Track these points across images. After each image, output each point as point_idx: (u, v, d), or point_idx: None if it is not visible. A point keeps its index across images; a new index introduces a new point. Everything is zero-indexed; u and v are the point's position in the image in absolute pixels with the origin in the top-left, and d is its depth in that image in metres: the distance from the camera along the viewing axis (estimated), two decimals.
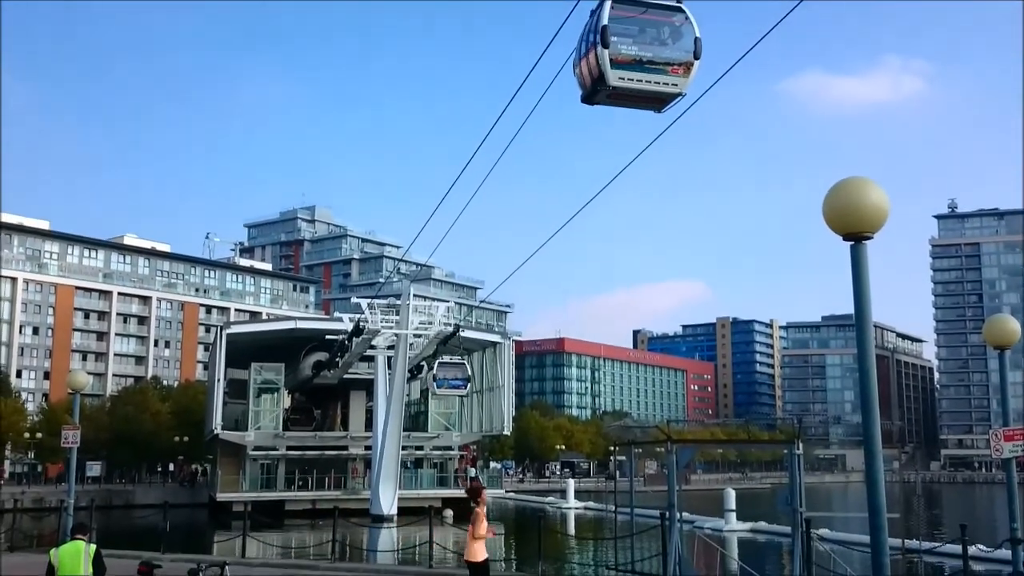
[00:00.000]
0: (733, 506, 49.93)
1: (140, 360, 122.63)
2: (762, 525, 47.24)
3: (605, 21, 9.34)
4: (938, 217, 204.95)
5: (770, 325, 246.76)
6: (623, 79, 9.48)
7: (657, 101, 9.98)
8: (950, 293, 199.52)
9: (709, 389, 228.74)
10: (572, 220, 16.49)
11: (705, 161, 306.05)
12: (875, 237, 7.28)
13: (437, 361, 48.75)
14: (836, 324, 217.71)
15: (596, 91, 9.75)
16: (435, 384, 46.77)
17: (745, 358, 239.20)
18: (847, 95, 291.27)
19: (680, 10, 9.82)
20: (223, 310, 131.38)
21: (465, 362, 46.66)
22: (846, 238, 7.28)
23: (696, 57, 9.76)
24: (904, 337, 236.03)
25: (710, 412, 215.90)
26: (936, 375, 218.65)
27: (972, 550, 17.36)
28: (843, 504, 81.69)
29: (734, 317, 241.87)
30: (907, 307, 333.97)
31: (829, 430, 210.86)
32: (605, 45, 9.31)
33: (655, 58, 9.59)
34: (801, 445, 18.58)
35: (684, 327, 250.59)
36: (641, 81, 9.56)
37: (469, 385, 45.99)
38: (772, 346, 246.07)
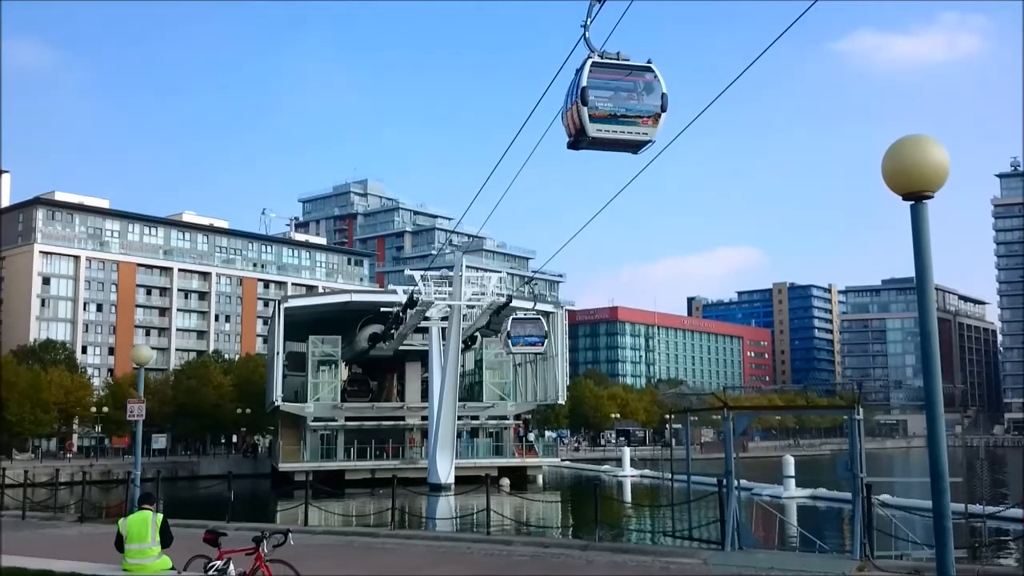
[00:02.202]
0: (792, 472, 49.57)
1: (201, 335, 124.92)
2: (822, 491, 46.87)
3: (584, 83, 10.92)
4: (1000, 176, 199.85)
5: (828, 290, 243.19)
6: (600, 131, 11.06)
7: (631, 147, 11.48)
8: (1013, 254, 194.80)
9: (766, 356, 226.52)
10: (624, 189, 16.42)
11: (758, 124, 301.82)
12: (935, 196, 7.12)
13: (511, 317, 47.59)
14: (896, 288, 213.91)
15: (579, 140, 11.27)
16: (510, 342, 45.94)
17: (803, 324, 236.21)
18: (904, 53, 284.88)
19: (650, 69, 11.30)
20: (280, 284, 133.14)
21: (541, 318, 45.36)
22: (906, 198, 7.14)
23: (663, 110, 11.26)
24: (966, 299, 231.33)
25: (767, 379, 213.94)
26: (1000, 338, 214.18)
27: None
28: (905, 469, 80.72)
29: (791, 282, 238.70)
30: (969, 268, 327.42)
31: (890, 395, 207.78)
32: (585, 103, 10.88)
33: (628, 112, 11.09)
34: (861, 410, 18.31)
35: (739, 293, 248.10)
36: (616, 132, 11.12)
37: (546, 342, 44.74)
38: (831, 311, 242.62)
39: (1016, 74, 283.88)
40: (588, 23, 11.34)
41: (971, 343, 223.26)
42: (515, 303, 65.71)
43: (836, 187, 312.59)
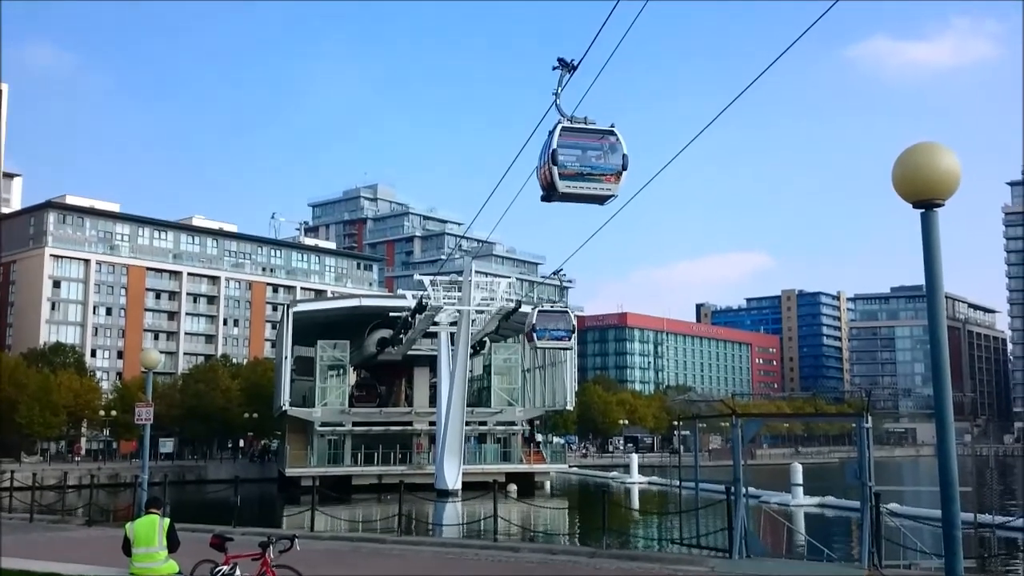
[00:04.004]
0: (800, 480, 49.40)
1: (210, 339, 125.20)
2: (830, 500, 46.68)
3: (555, 146, 12.29)
4: (1011, 184, 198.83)
5: (837, 297, 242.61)
6: (569, 187, 12.45)
7: (597, 200, 12.86)
8: None
9: (774, 363, 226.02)
10: (633, 199, 16.51)
11: (768, 129, 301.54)
12: (946, 204, 7.07)
13: (537, 310, 47.51)
14: (906, 295, 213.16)
15: (551, 194, 12.63)
16: (535, 336, 45.92)
17: (811, 331, 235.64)
18: (916, 59, 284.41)
19: (613, 133, 12.69)
20: (289, 289, 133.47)
21: (569, 311, 45.11)
22: (916, 205, 7.09)
23: (624, 168, 12.63)
24: (976, 307, 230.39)
25: (776, 386, 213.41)
26: (1009, 346, 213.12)
27: None
28: (914, 478, 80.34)
29: (800, 289, 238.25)
30: (979, 277, 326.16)
31: (899, 403, 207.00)
32: (555, 163, 12.27)
33: (594, 171, 12.48)
34: (870, 418, 18.24)
35: (748, 300, 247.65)
36: (583, 188, 12.52)
37: (574, 336, 44.62)
38: (839, 318, 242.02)
39: None
40: (559, 91, 12.66)
41: (981, 352, 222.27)
42: (527, 308, 65.70)
43: (846, 193, 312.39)
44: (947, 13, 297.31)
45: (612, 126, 12.77)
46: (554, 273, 39.45)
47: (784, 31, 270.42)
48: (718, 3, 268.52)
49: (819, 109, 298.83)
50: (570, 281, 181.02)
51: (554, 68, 12.69)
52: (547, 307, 49.68)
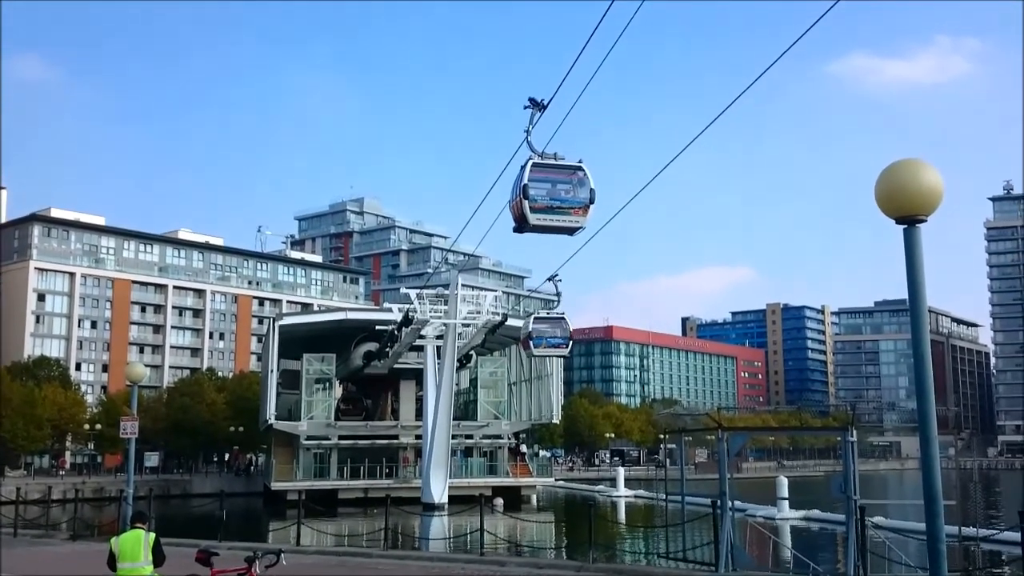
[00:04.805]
0: (786, 494, 49.51)
1: (195, 352, 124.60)
2: (815, 513, 46.78)
3: (526, 181, 12.90)
4: (993, 199, 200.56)
5: (821, 311, 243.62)
6: (539, 219, 13.07)
7: (567, 231, 13.59)
8: (1006, 277, 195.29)
9: (760, 376, 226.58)
10: (614, 215, 16.72)
11: (753, 144, 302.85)
12: (929, 220, 7.16)
13: (533, 316, 47.58)
14: (889, 309, 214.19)
15: (522, 226, 13.22)
16: (532, 344, 46.10)
17: (796, 344, 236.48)
18: (897, 76, 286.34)
19: (581, 168, 13.26)
20: (275, 302, 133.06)
21: (566, 317, 45.21)
22: (899, 221, 7.17)
23: (591, 202, 13.26)
24: (959, 322, 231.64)
25: (761, 399, 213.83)
26: (992, 360, 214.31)
27: None
28: (898, 491, 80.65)
29: (784, 303, 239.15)
30: (962, 291, 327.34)
31: (883, 417, 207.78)
32: (526, 197, 12.88)
33: (562, 204, 13.10)
34: (855, 431, 18.36)
35: (733, 314, 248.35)
36: (553, 220, 13.17)
37: (571, 344, 44.77)
38: (824, 332, 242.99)
39: (1009, 98, 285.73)
40: (530, 129, 13.19)
41: (964, 365, 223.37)
42: (513, 322, 65.71)
43: (829, 208, 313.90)
44: (928, 32, 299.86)
45: (580, 162, 13.36)
46: (549, 279, 39.21)
47: (764, 48, 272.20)
48: (699, 23, 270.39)
49: (802, 124, 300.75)
50: (556, 295, 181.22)
51: (525, 107, 13.22)
52: (543, 313, 49.62)
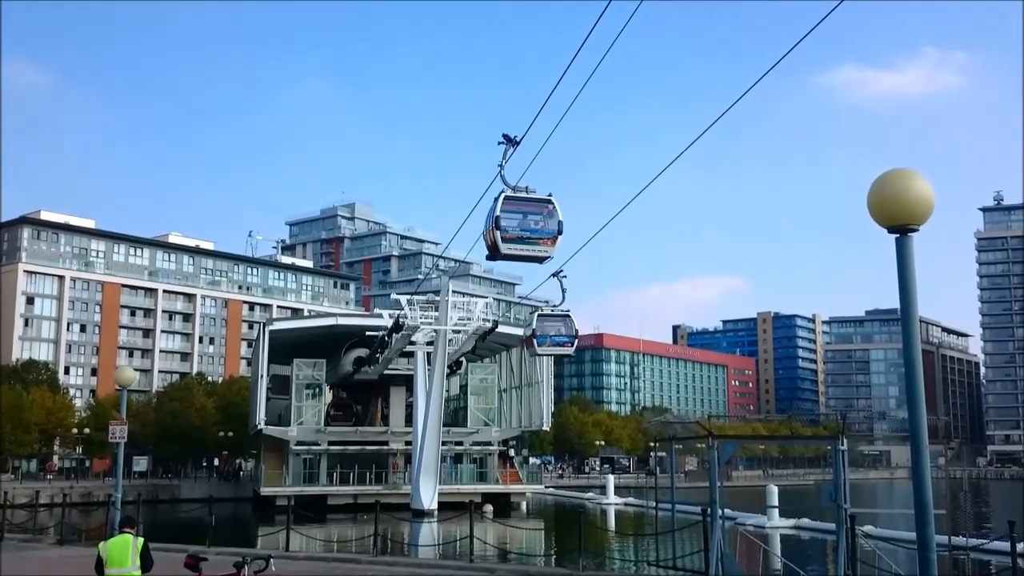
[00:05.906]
0: (776, 502, 49.54)
1: (185, 356, 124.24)
2: (805, 522, 46.84)
3: (498, 213, 13.57)
4: (983, 209, 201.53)
5: (812, 320, 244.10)
6: (510, 249, 13.78)
7: (536, 260, 14.29)
8: (996, 287, 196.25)
9: (750, 385, 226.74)
10: (608, 220, 16.78)
11: (744, 155, 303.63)
12: (920, 230, 7.18)
13: (537, 314, 47.43)
14: (880, 318, 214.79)
15: (495, 254, 13.98)
16: (536, 343, 45.79)
17: (787, 353, 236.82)
18: (888, 88, 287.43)
19: (550, 201, 13.95)
20: (265, 307, 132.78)
21: (570, 314, 45.13)
22: (891, 231, 7.19)
23: (559, 233, 13.94)
24: (950, 331, 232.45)
25: (752, 408, 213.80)
26: (982, 370, 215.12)
27: (1020, 547, 17.06)
28: (888, 500, 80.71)
29: (775, 312, 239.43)
30: (953, 301, 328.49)
31: (874, 426, 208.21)
32: (498, 228, 13.58)
33: (532, 235, 13.80)
34: (845, 440, 18.38)
35: (724, 322, 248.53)
36: (523, 250, 13.88)
37: (576, 343, 44.72)
38: (815, 341, 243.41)
39: (998, 109, 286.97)
40: (503, 163, 13.76)
41: (955, 375, 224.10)
42: (504, 329, 65.70)
43: (820, 218, 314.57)
44: (917, 44, 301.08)
45: (550, 195, 14.05)
46: (554, 275, 39.04)
47: (753, 61, 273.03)
48: (691, 34, 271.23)
49: (793, 135, 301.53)
50: (547, 302, 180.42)
51: (499, 143, 13.77)
52: (547, 310, 49.50)
